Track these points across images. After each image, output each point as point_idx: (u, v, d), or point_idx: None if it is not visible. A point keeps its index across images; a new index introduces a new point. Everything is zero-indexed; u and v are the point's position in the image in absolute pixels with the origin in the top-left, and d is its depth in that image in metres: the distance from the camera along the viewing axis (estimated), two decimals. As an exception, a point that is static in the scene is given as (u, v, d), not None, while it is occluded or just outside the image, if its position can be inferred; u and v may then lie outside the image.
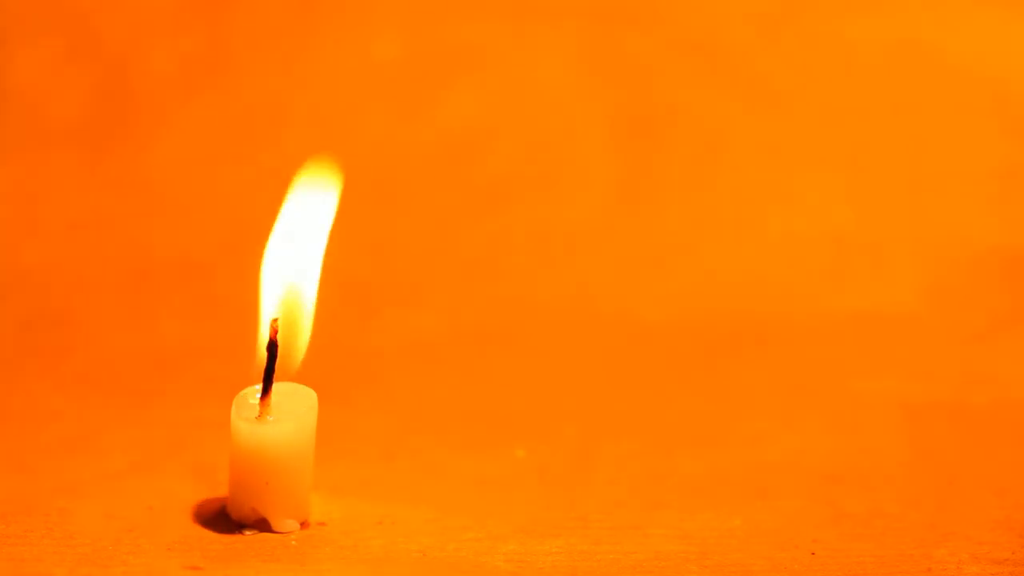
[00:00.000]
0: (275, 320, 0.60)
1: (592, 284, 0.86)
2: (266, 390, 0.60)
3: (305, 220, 0.62)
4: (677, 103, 0.90)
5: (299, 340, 0.62)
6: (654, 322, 0.83)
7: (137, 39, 0.88)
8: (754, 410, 0.74)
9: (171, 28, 0.89)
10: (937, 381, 0.77)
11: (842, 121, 0.89)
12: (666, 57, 0.90)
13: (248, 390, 0.61)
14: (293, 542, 0.60)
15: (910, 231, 0.87)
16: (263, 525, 0.60)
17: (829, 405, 0.75)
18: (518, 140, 0.89)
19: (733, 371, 0.78)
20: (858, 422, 0.73)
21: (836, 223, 0.88)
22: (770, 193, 0.89)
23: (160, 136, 0.87)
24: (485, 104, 0.90)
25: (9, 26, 0.88)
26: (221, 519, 0.61)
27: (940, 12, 0.90)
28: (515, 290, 0.85)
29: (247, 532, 0.60)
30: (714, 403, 0.75)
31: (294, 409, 0.60)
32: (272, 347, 0.60)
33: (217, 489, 0.63)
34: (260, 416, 0.60)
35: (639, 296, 0.85)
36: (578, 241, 0.87)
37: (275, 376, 0.60)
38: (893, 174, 0.89)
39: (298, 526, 0.61)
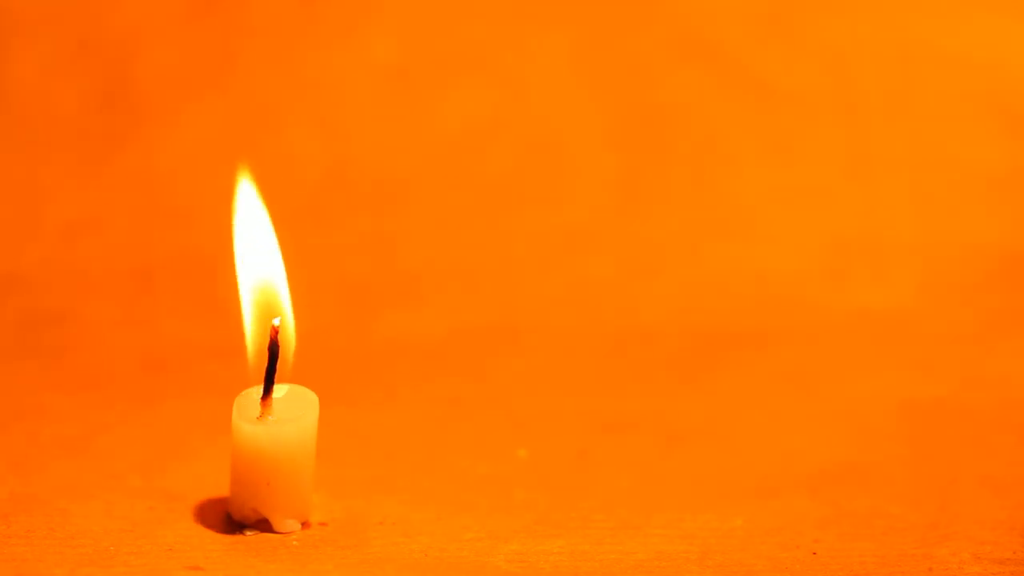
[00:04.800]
0: (276, 322, 0.60)
1: (592, 284, 0.86)
2: (267, 391, 0.60)
3: (252, 227, 0.63)
4: (677, 103, 0.90)
5: (287, 341, 0.62)
6: (654, 321, 0.83)
7: (138, 39, 0.88)
8: (755, 410, 0.74)
9: (171, 28, 0.89)
10: (938, 380, 0.77)
11: (842, 121, 0.89)
12: (666, 57, 0.90)
13: (249, 391, 0.61)
14: (294, 542, 0.60)
15: (910, 231, 0.87)
16: (264, 525, 0.60)
17: (830, 405, 0.75)
18: (518, 140, 0.89)
19: (734, 371, 0.79)
20: (859, 422, 0.73)
21: (836, 223, 0.88)
22: (770, 193, 0.89)
23: (160, 136, 0.87)
24: (485, 105, 0.90)
25: (10, 26, 0.88)
26: (222, 519, 0.61)
27: (940, 12, 0.90)
28: (515, 290, 0.85)
29: (248, 532, 0.60)
30: (715, 403, 0.75)
31: (295, 410, 0.60)
32: (273, 348, 0.60)
33: (218, 489, 0.63)
34: (261, 417, 0.60)
35: (639, 296, 0.85)
36: (578, 241, 0.87)
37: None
38: (893, 174, 0.89)
39: (299, 526, 0.61)
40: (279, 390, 0.61)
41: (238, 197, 0.62)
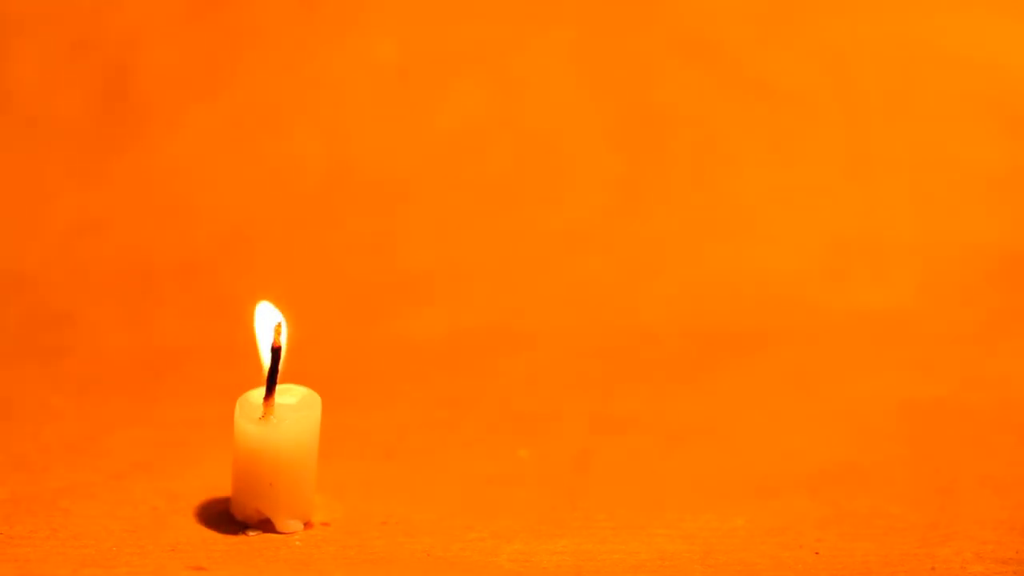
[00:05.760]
0: (279, 323, 0.60)
1: (592, 284, 0.86)
2: (270, 391, 0.60)
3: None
4: (677, 103, 0.90)
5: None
6: (655, 321, 0.83)
7: (138, 40, 0.88)
8: (756, 410, 0.74)
9: (172, 28, 0.89)
10: (938, 380, 0.77)
11: (842, 121, 0.89)
12: (666, 57, 0.90)
13: (252, 391, 0.61)
14: (297, 542, 0.60)
15: (910, 231, 0.87)
16: (267, 526, 0.61)
17: (831, 404, 0.75)
18: (518, 140, 0.89)
19: (735, 371, 0.79)
20: (860, 421, 0.73)
21: (836, 223, 0.88)
22: (770, 193, 0.89)
23: (160, 136, 0.87)
24: (485, 105, 0.90)
25: (10, 26, 0.88)
26: (225, 520, 0.61)
27: (940, 12, 0.90)
28: (515, 290, 0.85)
29: (251, 533, 0.60)
30: (716, 403, 0.75)
31: (298, 410, 0.60)
32: (276, 350, 0.60)
33: (221, 490, 0.63)
34: (264, 417, 0.60)
35: (640, 295, 0.85)
36: (578, 241, 0.87)
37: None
38: (894, 174, 0.89)
39: (302, 526, 0.61)
40: (281, 390, 0.61)
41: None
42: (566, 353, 0.81)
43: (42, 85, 0.87)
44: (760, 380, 0.78)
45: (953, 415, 0.74)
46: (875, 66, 0.90)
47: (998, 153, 0.88)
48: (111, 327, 0.80)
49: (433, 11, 0.90)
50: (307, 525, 0.61)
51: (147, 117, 0.87)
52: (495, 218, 0.88)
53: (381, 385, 0.77)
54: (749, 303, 0.85)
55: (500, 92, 0.90)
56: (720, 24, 0.90)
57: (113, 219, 0.85)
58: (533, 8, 0.91)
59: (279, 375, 0.60)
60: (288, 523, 0.61)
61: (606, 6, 0.91)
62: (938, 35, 0.90)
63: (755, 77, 0.90)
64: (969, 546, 0.60)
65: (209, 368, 0.76)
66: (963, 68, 0.89)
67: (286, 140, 0.88)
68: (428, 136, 0.89)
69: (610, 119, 0.90)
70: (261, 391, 0.60)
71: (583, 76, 0.90)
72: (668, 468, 0.68)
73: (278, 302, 0.62)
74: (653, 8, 0.91)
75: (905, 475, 0.68)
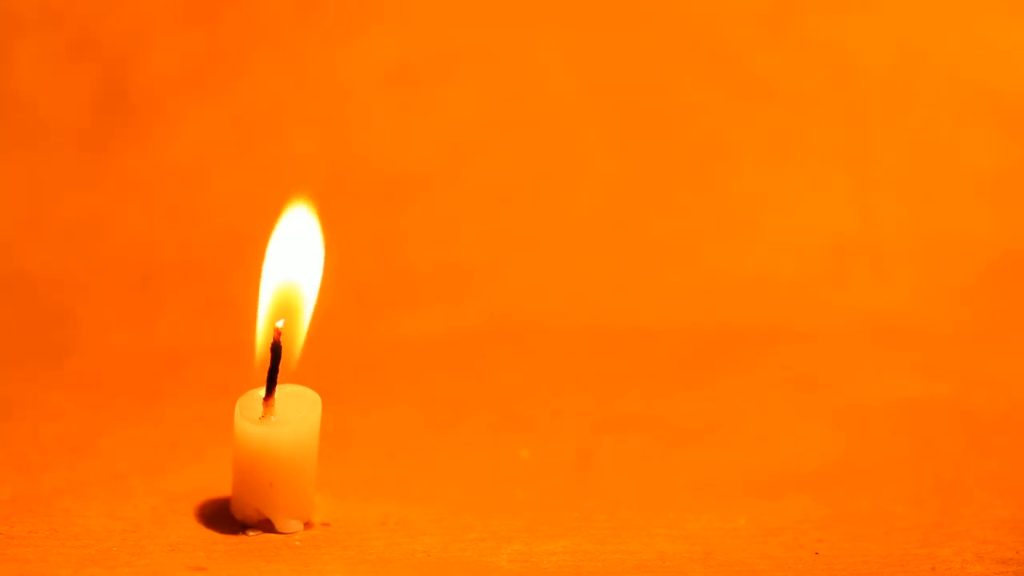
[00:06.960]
0: (279, 323, 0.60)
1: (593, 284, 0.86)
2: (270, 391, 0.60)
3: (301, 229, 0.63)
4: (678, 103, 0.90)
5: (296, 341, 0.62)
6: (655, 321, 0.83)
7: (137, 39, 0.88)
8: (757, 410, 0.75)
9: (171, 28, 0.89)
10: (940, 381, 0.77)
11: (843, 122, 0.89)
12: (666, 57, 0.90)
13: (252, 391, 0.61)
14: (297, 543, 0.60)
15: (911, 231, 0.87)
16: (267, 526, 0.61)
17: (832, 405, 0.75)
18: (518, 140, 0.89)
19: (736, 371, 0.79)
20: (861, 422, 0.73)
21: (837, 224, 0.88)
22: (771, 194, 0.89)
23: (160, 136, 0.87)
24: (486, 104, 0.90)
25: (10, 26, 0.88)
26: (225, 520, 0.61)
27: (940, 12, 0.90)
28: (515, 290, 0.85)
29: (251, 533, 0.60)
30: (717, 403, 0.75)
31: (298, 410, 0.60)
32: (276, 349, 0.60)
33: (221, 490, 0.63)
34: (264, 417, 0.60)
35: (640, 296, 0.85)
36: (578, 241, 0.87)
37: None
38: (894, 175, 0.89)
39: (302, 527, 0.61)
40: (281, 390, 0.61)
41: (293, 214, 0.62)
42: (566, 353, 0.81)
43: (42, 85, 0.87)
44: (760, 380, 0.78)
45: (953, 415, 0.74)
46: (875, 66, 0.90)
47: (997, 153, 0.89)
48: (112, 327, 0.80)
49: (433, 11, 0.90)
50: (307, 525, 0.61)
51: (147, 117, 0.88)
52: (495, 218, 0.88)
53: (381, 385, 0.77)
54: (749, 303, 0.85)
55: (500, 92, 0.90)
56: (720, 24, 0.90)
57: (113, 219, 0.86)
58: (533, 8, 0.91)
59: (279, 375, 0.60)
60: (288, 523, 0.61)
61: (606, 6, 0.91)
62: (938, 35, 0.90)
63: (756, 77, 0.90)
64: (970, 546, 0.60)
65: (209, 368, 0.76)
66: (962, 68, 0.89)
67: (286, 140, 0.88)
68: (428, 136, 0.89)
69: (610, 119, 0.90)
70: (261, 391, 0.60)
71: (583, 76, 0.90)
72: (668, 468, 0.68)
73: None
74: (654, 8, 0.91)
75: (906, 475, 0.68)
